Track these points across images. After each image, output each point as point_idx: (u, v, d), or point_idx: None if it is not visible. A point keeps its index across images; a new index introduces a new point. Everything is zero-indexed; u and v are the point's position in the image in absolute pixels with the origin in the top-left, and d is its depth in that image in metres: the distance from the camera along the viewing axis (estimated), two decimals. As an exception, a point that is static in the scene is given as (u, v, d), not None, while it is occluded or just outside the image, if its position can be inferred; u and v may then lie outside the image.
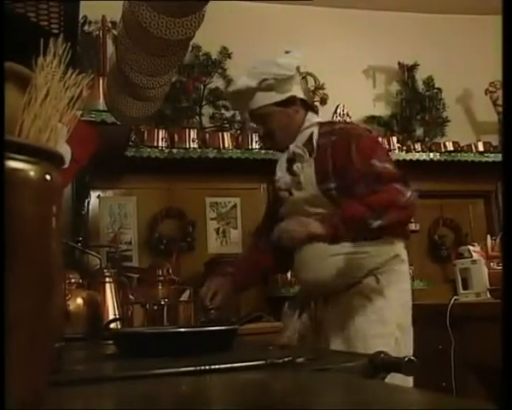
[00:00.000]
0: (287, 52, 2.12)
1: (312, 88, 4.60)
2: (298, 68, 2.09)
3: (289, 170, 2.06)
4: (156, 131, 3.94)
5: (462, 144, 4.59)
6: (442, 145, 4.56)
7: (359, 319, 1.94)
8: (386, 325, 1.91)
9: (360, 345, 1.89)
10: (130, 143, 3.79)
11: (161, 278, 2.54)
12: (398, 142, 4.50)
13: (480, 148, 4.60)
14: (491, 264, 3.48)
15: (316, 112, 2.24)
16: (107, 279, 2.08)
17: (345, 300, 1.97)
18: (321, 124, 2.08)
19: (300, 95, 2.10)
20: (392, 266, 1.98)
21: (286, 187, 2.07)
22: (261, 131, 2.12)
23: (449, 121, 4.75)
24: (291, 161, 2.06)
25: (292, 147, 2.04)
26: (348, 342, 1.90)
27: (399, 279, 2.00)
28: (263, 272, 2.31)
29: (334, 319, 1.97)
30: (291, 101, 2.05)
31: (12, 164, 0.48)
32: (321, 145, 2.01)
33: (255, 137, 3.98)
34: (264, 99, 2.02)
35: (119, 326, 1.81)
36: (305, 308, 2.10)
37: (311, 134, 2.04)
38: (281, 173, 2.08)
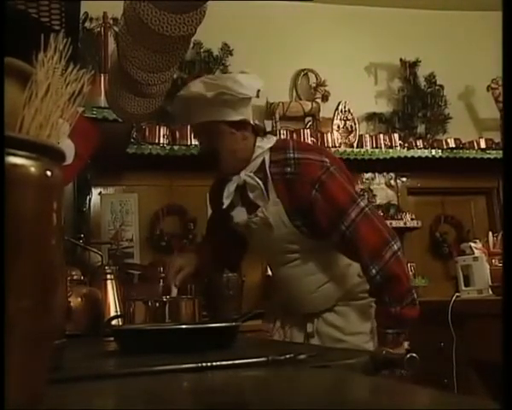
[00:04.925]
0: (241, 72, 1.99)
1: (314, 85, 4.59)
2: (257, 92, 1.91)
3: (244, 203, 1.96)
4: (157, 127, 3.94)
5: (463, 141, 4.59)
6: (444, 142, 4.56)
7: (357, 315, 1.98)
8: None
9: (366, 343, 1.92)
10: (132, 140, 3.79)
11: (163, 274, 2.53)
12: (399, 139, 4.50)
13: (482, 145, 4.60)
14: (493, 261, 3.48)
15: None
16: (109, 276, 2.08)
17: (340, 308, 2.00)
18: (272, 149, 1.92)
19: (251, 120, 1.93)
20: None
21: (245, 225, 1.97)
22: (204, 148, 1.95)
23: (451, 118, 4.74)
24: (241, 191, 1.94)
25: (243, 175, 1.90)
26: (355, 340, 1.92)
27: None
28: (226, 256, 2.25)
29: (332, 325, 1.99)
30: (242, 125, 1.89)
31: (12, 160, 0.48)
32: (275, 174, 1.88)
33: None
34: (215, 114, 1.85)
35: (120, 323, 1.81)
36: (291, 317, 2.09)
37: (263, 161, 1.91)
38: (233, 205, 1.97)
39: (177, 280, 1.99)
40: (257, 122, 2.03)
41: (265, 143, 1.94)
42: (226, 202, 1.94)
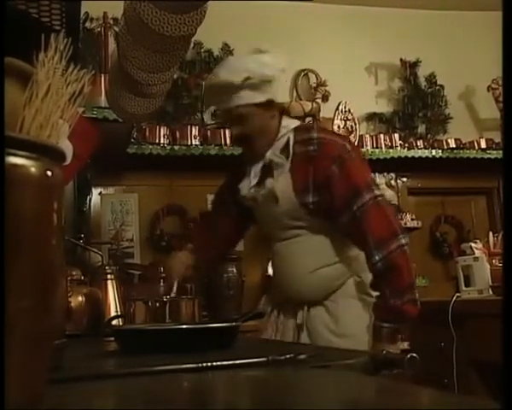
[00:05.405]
0: (260, 51, 1.97)
1: (314, 85, 4.59)
2: (283, 70, 1.96)
3: (261, 181, 1.99)
4: (158, 127, 3.94)
5: (464, 141, 4.59)
6: (444, 142, 4.56)
7: (350, 318, 1.95)
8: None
9: (358, 345, 1.90)
10: (132, 140, 3.79)
11: (163, 274, 2.53)
12: (400, 139, 4.50)
13: (483, 145, 4.60)
14: (494, 261, 3.47)
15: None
16: (109, 276, 2.08)
17: (332, 303, 1.97)
18: (296, 129, 1.97)
19: (278, 98, 1.97)
20: None
21: (252, 197, 2.00)
22: (237, 133, 1.97)
23: (451, 118, 4.74)
24: (266, 170, 1.97)
25: (269, 155, 1.94)
26: (344, 343, 1.90)
27: None
28: (221, 245, 2.28)
29: (323, 323, 1.96)
30: (270, 104, 1.92)
31: (13, 160, 0.48)
32: (297, 154, 1.91)
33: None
34: (245, 98, 1.88)
35: (120, 323, 1.82)
36: (284, 310, 2.07)
37: (288, 140, 1.94)
38: (251, 182, 2.00)
39: (180, 277, 2.00)
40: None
41: (291, 123, 1.99)
42: (253, 182, 1.98)
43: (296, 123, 2.01)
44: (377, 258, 1.80)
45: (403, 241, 1.82)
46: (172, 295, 1.93)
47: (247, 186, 2.01)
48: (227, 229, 2.23)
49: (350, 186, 1.84)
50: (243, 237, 2.48)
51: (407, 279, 1.82)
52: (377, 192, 1.86)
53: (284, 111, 2.05)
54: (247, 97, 1.89)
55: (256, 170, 1.98)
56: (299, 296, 1.99)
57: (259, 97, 1.90)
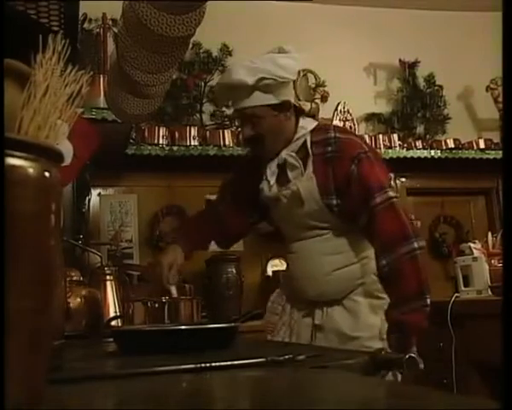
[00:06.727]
0: (281, 51, 1.94)
1: (313, 85, 4.59)
2: (298, 72, 1.99)
3: (279, 179, 1.98)
4: (157, 128, 3.93)
5: (463, 141, 4.59)
6: (443, 142, 4.55)
7: (371, 317, 1.94)
8: None
9: (376, 344, 1.88)
10: (131, 141, 3.79)
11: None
12: (398, 139, 4.49)
13: (481, 145, 4.59)
14: (492, 261, 3.48)
15: (309, 115, 2.13)
16: (108, 277, 2.08)
17: (351, 302, 1.96)
18: (313, 130, 1.96)
19: (293, 100, 1.97)
20: None
21: (276, 197, 1.98)
22: (248, 133, 1.93)
23: (450, 118, 4.74)
24: (282, 169, 1.96)
25: (284, 154, 1.93)
26: (362, 342, 1.88)
27: None
28: (212, 237, 2.23)
29: (342, 322, 1.95)
30: (284, 106, 1.91)
31: (11, 161, 0.48)
32: (316, 155, 1.90)
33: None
34: (259, 99, 1.87)
35: (119, 324, 1.81)
36: (300, 309, 2.06)
37: (305, 142, 1.93)
38: (269, 182, 1.99)
39: (170, 279, 1.97)
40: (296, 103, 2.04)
41: (308, 124, 1.97)
42: (272, 180, 1.96)
43: (314, 123, 1.99)
44: (384, 262, 1.78)
45: (415, 245, 1.77)
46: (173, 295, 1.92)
47: (268, 186, 1.99)
48: (237, 221, 2.18)
49: (366, 187, 1.82)
50: (249, 233, 2.43)
51: (413, 288, 1.76)
52: (391, 194, 1.84)
53: (302, 111, 2.03)
54: (260, 99, 1.87)
55: (272, 169, 1.96)
56: (318, 296, 1.98)
57: (273, 99, 1.88)
